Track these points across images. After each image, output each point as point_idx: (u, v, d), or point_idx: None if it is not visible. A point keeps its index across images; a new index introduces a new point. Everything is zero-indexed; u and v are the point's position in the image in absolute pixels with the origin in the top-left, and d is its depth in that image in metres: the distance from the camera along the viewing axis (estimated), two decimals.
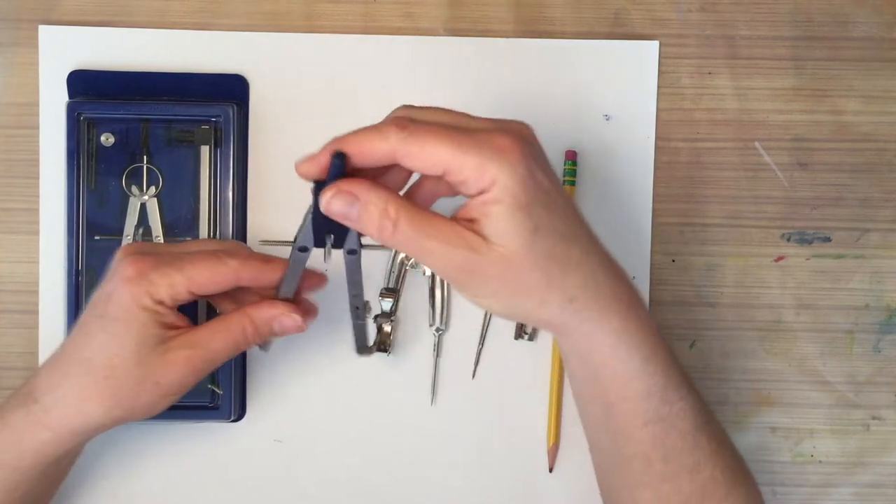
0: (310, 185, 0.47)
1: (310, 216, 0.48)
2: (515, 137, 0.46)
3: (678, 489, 0.50)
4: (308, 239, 0.49)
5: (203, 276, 0.51)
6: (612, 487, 0.54)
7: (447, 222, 0.46)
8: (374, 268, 0.62)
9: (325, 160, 0.46)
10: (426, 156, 0.45)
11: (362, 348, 0.57)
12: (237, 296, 0.55)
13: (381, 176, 0.49)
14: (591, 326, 0.48)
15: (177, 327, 0.52)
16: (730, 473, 0.52)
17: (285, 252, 0.51)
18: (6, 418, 0.52)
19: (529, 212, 0.45)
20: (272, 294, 0.54)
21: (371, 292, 0.59)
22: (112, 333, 0.51)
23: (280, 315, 0.53)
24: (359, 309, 0.54)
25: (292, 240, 0.50)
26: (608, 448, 0.52)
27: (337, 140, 0.46)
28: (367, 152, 0.46)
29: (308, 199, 0.47)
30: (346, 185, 0.46)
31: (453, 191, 0.48)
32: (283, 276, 0.52)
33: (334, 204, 0.46)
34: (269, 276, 0.53)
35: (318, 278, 0.55)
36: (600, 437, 0.53)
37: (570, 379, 0.53)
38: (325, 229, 0.48)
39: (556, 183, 0.47)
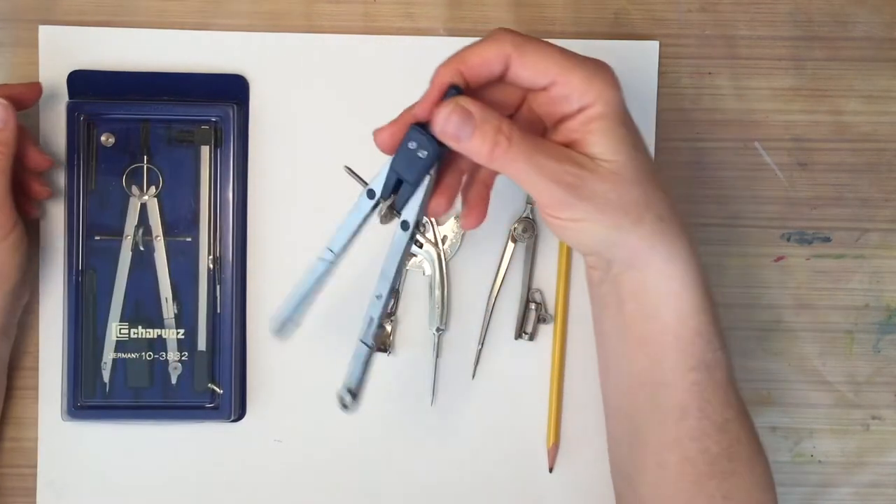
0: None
1: (392, 158, 0.48)
2: (605, 63, 0.48)
3: (705, 448, 0.50)
4: (378, 183, 0.48)
5: None
6: (632, 458, 0.53)
7: (553, 142, 0.48)
8: (375, 267, 0.62)
9: (437, 98, 0.47)
10: (539, 62, 0.46)
11: (351, 392, 0.50)
12: None
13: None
14: (669, 253, 0.48)
15: None
16: (753, 439, 0.51)
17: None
18: None
19: (628, 128, 0.47)
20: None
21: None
22: None
23: None
24: (375, 321, 0.50)
25: (365, 182, 0.49)
26: (642, 404, 0.51)
27: (447, 62, 0.47)
28: (481, 63, 0.47)
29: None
30: (464, 101, 0.46)
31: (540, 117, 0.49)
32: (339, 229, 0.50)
33: (451, 120, 0.46)
34: None
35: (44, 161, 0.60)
36: (635, 394, 0.52)
37: (612, 332, 0.52)
38: (401, 172, 0.48)
39: None
